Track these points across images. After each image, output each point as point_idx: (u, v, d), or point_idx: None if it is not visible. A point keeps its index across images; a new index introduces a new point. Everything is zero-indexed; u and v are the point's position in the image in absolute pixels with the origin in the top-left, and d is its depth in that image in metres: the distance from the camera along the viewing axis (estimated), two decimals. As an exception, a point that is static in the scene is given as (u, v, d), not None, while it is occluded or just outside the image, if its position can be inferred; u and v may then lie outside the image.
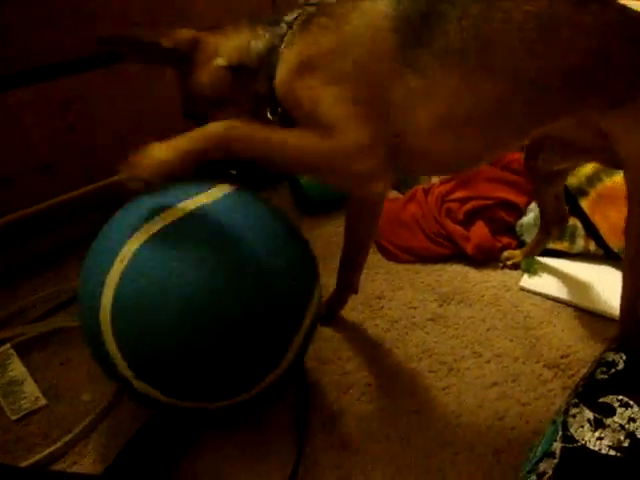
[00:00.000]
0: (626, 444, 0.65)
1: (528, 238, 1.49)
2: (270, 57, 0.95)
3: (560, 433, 0.70)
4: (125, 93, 1.49)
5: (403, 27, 0.90)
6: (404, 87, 0.90)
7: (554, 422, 0.76)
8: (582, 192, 1.46)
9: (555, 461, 0.68)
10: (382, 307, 1.36)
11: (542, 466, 0.69)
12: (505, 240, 1.51)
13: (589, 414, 0.71)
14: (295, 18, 0.96)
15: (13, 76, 1.29)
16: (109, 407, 1.12)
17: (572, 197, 1.45)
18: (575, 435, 0.69)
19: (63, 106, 1.39)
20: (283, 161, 0.93)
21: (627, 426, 0.67)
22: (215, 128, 0.90)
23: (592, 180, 1.44)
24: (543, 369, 1.20)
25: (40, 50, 1.31)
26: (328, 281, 1.27)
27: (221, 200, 0.91)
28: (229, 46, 0.98)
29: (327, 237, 1.56)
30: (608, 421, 0.69)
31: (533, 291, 1.40)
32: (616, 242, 1.40)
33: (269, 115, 0.98)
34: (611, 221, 1.42)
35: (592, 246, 1.45)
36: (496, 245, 1.49)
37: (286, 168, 1.03)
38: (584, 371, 1.17)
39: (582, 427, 0.70)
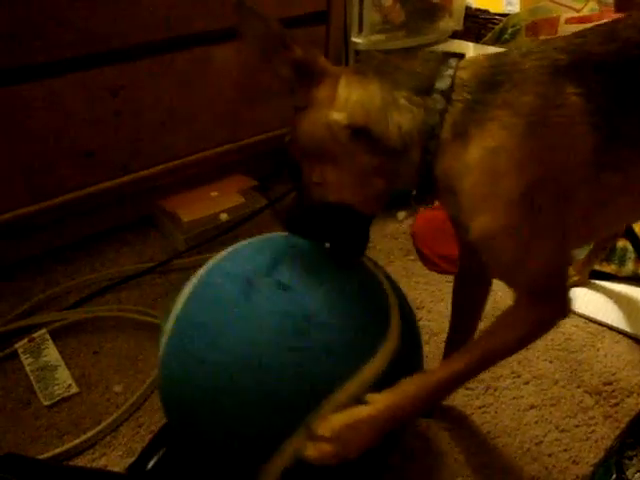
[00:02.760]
0: (688, 494, 0.62)
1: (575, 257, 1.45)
2: (428, 141, 0.74)
3: (614, 475, 0.67)
4: (173, 83, 1.49)
5: (600, 122, 0.72)
6: (595, 189, 0.75)
7: (606, 461, 0.72)
8: (635, 214, 1.40)
9: (609, 505, 0.65)
10: (421, 318, 1.32)
11: (593, 508, 0.66)
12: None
13: (648, 458, 0.67)
14: (451, 87, 0.73)
15: (63, 61, 1.30)
16: (140, 400, 1.11)
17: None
18: (633, 480, 0.65)
19: (111, 93, 1.39)
20: (490, 367, 0.79)
21: (689, 474, 0.64)
22: (414, 388, 0.73)
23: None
24: (584, 395, 1.16)
25: (93, 37, 1.31)
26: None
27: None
28: (354, 100, 0.76)
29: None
30: (669, 468, 0.65)
31: (576, 312, 1.35)
32: (667, 267, 1.36)
33: (412, 202, 0.82)
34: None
35: (641, 270, 1.40)
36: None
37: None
38: (628, 400, 1.13)
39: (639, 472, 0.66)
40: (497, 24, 2.16)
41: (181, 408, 0.82)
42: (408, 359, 0.87)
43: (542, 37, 2.03)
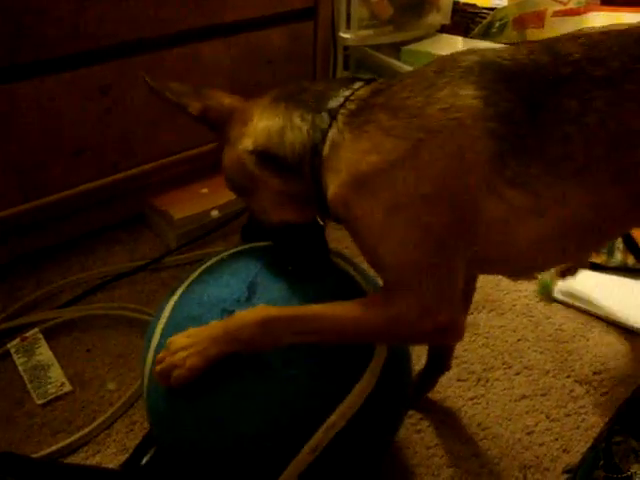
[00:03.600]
0: (675, 478, 0.63)
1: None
2: (312, 159, 0.76)
3: (602, 461, 0.68)
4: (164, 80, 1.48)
5: (502, 129, 0.67)
6: (502, 206, 0.69)
7: (595, 448, 0.73)
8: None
9: (597, 490, 0.66)
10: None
11: (582, 494, 0.67)
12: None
13: (635, 444, 0.68)
14: (341, 105, 0.74)
15: (52, 60, 1.29)
16: (133, 398, 1.12)
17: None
18: (620, 465, 0.66)
19: (101, 91, 1.39)
20: (336, 339, 0.77)
21: (676, 459, 0.65)
22: (245, 320, 0.74)
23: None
24: (574, 384, 1.17)
25: (82, 35, 1.30)
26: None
27: None
28: (260, 127, 0.80)
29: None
30: (656, 453, 0.66)
31: (566, 303, 1.37)
32: (655, 257, 1.37)
33: (318, 220, 0.86)
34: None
35: (630, 260, 1.41)
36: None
37: (339, 343, 0.80)
38: (617, 389, 1.15)
39: (627, 457, 0.67)
40: (485, 18, 2.17)
41: (168, 438, 0.84)
42: (398, 365, 0.88)
43: (529, 30, 2.04)
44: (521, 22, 2.07)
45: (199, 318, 0.79)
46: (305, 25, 1.77)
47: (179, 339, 0.75)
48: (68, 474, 0.92)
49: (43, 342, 1.23)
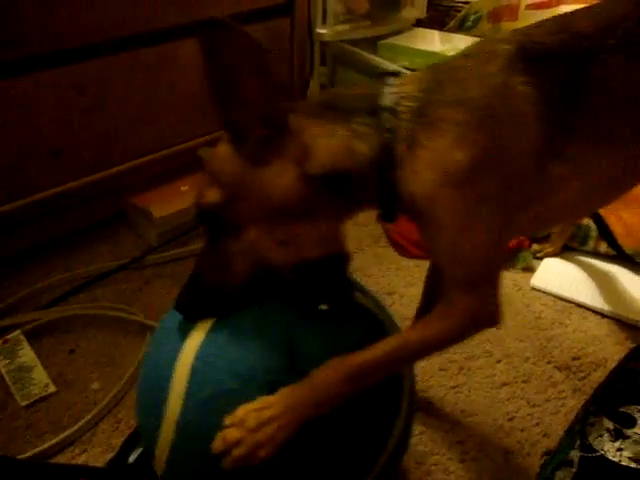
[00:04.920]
0: (647, 456, 0.65)
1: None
2: (385, 161, 0.72)
3: (578, 442, 0.70)
4: (140, 80, 1.48)
5: (549, 111, 0.71)
6: (543, 178, 0.75)
7: (571, 429, 0.75)
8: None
9: (573, 470, 0.68)
10: (393, 303, 1.35)
11: (559, 474, 0.69)
12: (520, 237, 1.50)
13: (609, 423, 0.70)
14: (396, 102, 0.72)
15: (28, 60, 1.28)
16: (118, 397, 1.12)
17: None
18: (594, 444, 0.68)
19: (77, 91, 1.38)
20: (416, 360, 0.79)
21: (648, 437, 0.67)
22: (330, 379, 0.69)
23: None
24: (554, 370, 1.19)
25: (56, 34, 1.30)
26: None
27: None
28: (323, 147, 0.71)
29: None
30: (629, 432, 0.68)
31: (545, 290, 1.39)
32: (630, 244, 1.40)
33: (379, 220, 0.79)
34: (625, 222, 1.41)
35: (602, 248, 1.44)
36: (511, 242, 1.48)
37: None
38: (595, 373, 1.17)
39: (601, 437, 0.69)
40: (460, 11, 2.18)
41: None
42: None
43: (503, 23, 2.06)
44: (495, 15, 2.09)
45: (238, 392, 0.69)
46: (282, 21, 1.78)
47: (255, 413, 0.67)
48: (55, 474, 0.93)
49: (25, 344, 1.22)
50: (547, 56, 0.73)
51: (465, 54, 0.77)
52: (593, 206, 0.90)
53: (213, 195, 0.71)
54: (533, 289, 1.40)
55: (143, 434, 0.78)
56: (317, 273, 0.74)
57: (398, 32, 2.14)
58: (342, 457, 0.73)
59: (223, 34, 0.65)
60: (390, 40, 2.08)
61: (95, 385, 1.15)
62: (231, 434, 0.66)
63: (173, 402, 0.70)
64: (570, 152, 0.74)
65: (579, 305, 1.35)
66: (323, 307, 0.75)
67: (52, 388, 1.14)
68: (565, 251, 1.48)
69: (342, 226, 0.77)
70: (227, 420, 0.67)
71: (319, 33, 1.96)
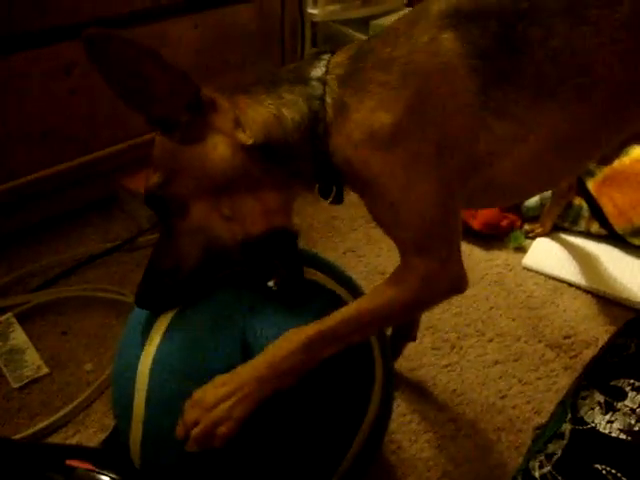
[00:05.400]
0: (637, 428, 0.65)
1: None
2: (315, 128, 0.73)
3: (570, 415, 0.71)
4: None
5: (481, 64, 0.71)
6: (491, 138, 0.73)
7: (563, 403, 0.76)
8: (589, 173, 1.45)
9: (564, 442, 0.69)
10: (385, 283, 1.35)
11: (551, 447, 0.69)
12: (512, 217, 1.50)
13: (600, 397, 0.71)
14: (325, 72, 0.74)
15: (13, 38, 1.26)
16: (110, 377, 1.12)
17: (579, 177, 1.44)
18: (585, 417, 0.69)
19: (65, 71, 1.36)
20: (376, 328, 0.78)
21: (638, 410, 0.67)
22: (288, 350, 0.69)
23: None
24: (545, 349, 1.20)
25: (42, 11, 1.28)
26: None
27: None
28: (252, 117, 0.73)
29: (328, 211, 1.56)
30: (619, 405, 0.69)
31: (536, 270, 1.40)
32: (621, 223, 1.40)
33: (319, 196, 0.78)
34: (616, 202, 1.42)
35: (594, 228, 1.44)
36: (502, 221, 1.48)
37: (377, 329, 0.82)
38: (586, 352, 1.18)
39: (592, 410, 0.70)
40: (452, -9, 2.17)
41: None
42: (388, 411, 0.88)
43: None
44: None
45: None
46: (273, 1, 1.76)
47: (211, 391, 0.67)
48: (49, 454, 0.92)
49: (17, 326, 1.21)
50: (481, 13, 0.72)
51: (397, 20, 0.77)
52: (554, 175, 0.88)
53: (154, 178, 0.74)
54: (525, 269, 1.41)
55: (120, 434, 0.81)
56: (265, 251, 0.75)
57: (390, 12, 2.13)
58: (320, 430, 0.73)
59: (106, 46, 0.67)
60: (382, 20, 2.07)
61: (88, 366, 1.15)
62: (189, 415, 0.66)
63: (137, 405, 0.73)
64: (511, 110, 0.72)
65: (570, 284, 1.36)
66: (271, 284, 0.75)
67: (45, 370, 1.14)
68: (557, 231, 1.49)
69: (288, 201, 0.78)
70: (186, 403, 0.67)
71: (310, 13, 1.94)
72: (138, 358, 0.74)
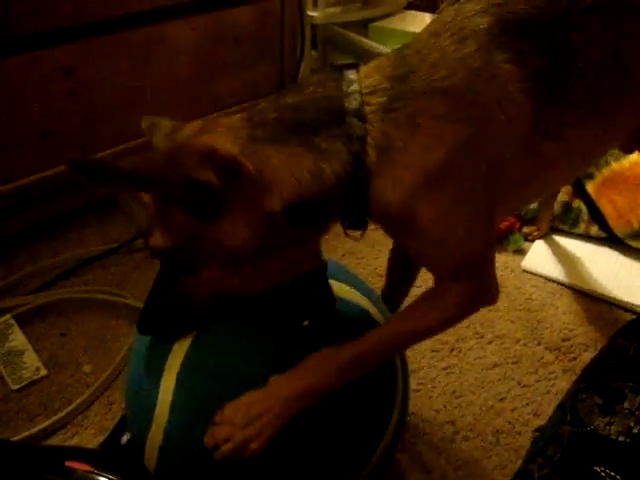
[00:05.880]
0: (636, 430, 0.65)
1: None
2: (356, 176, 0.63)
3: (569, 417, 0.71)
4: (128, 62, 1.47)
5: (535, 85, 0.66)
6: (536, 162, 0.71)
7: (562, 405, 0.76)
8: (589, 175, 1.45)
9: (564, 444, 0.69)
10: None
11: (550, 449, 0.69)
12: (511, 220, 1.50)
13: (599, 399, 0.71)
14: (362, 103, 0.63)
15: (13, 40, 1.26)
16: (110, 379, 1.12)
17: (578, 180, 1.44)
18: (584, 420, 0.69)
19: (64, 73, 1.36)
20: (409, 346, 0.78)
21: (637, 412, 0.67)
22: (323, 370, 0.67)
23: (599, 163, 1.43)
24: (544, 351, 1.20)
25: (43, 14, 1.28)
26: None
27: None
28: (284, 177, 0.62)
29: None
30: (618, 407, 0.69)
31: (535, 273, 1.40)
32: (620, 226, 1.40)
33: (347, 231, 0.73)
34: (616, 205, 1.42)
35: (593, 231, 1.45)
36: (502, 224, 1.48)
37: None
38: (585, 354, 1.18)
39: (591, 412, 0.70)
40: (451, -6, 2.17)
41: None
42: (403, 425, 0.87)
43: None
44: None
45: (225, 397, 0.68)
46: (272, 3, 1.76)
47: (243, 410, 0.66)
48: (47, 456, 0.92)
49: (16, 328, 1.21)
50: (525, 26, 0.66)
51: (433, 32, 0.68)
52: (570, 179, 0.89)
53: (163, 240, 0.66)
54: (524, 271, 1.41)
55: (133, 436, 0.79)
56: (295, 291, 0.72)
57: (389, 15, 2.13)
58: (339, 447, 0.73)
59: (94, 175, 0.57)
60: (381, 23, 2.07)
61: (87, 368, 1.15)
62: (220, 432, 0.65)
63: (160, 409, 0.70)
64: (560, 130, 0.70)
65: (569, 287, 1.36)
66: (306, 323, 0.73)
67: (43, 371, 1.14)
68: (556, 234, 1.49)
69: (316, 246, 0.73)
70: (216, 418, 0.66)
71: (310, 15, 1.95)
72: (165, 360, 0.71)
